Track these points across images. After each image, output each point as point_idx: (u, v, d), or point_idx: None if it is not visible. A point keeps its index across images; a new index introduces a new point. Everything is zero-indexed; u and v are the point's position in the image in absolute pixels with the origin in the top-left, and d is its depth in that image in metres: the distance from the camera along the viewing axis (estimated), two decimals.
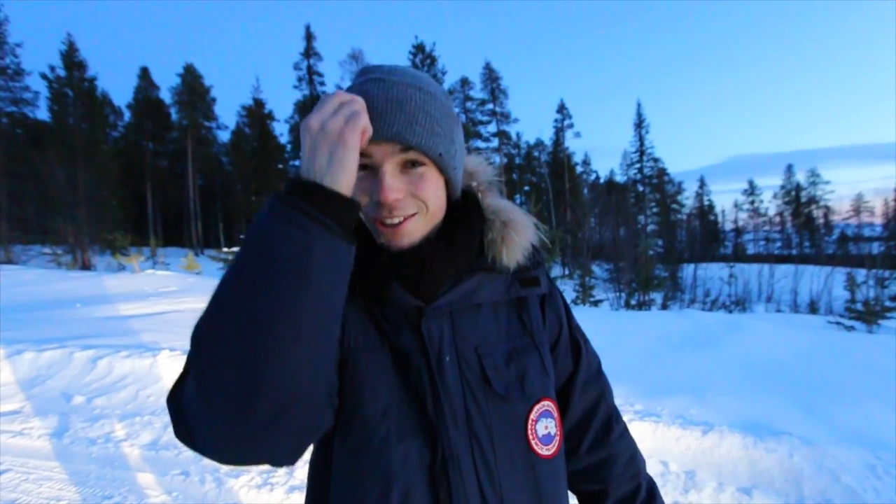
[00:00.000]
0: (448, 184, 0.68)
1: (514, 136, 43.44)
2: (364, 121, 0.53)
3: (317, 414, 0.54)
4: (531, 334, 0.71)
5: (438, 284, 0.65)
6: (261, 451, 0.51)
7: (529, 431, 0.66)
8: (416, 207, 0.63)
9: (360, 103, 0.54)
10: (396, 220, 0.62)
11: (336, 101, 0.54)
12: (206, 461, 2.77)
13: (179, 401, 0.52)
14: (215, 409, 0.47)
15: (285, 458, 0.54)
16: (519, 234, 0.71)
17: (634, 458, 0.82)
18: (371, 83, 0.61)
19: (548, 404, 0.69)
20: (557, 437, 0.69)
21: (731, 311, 11.29)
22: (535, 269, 0.73)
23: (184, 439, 0.52)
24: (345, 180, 0.51)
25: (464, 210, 0.70)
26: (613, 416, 0.82)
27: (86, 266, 22.13)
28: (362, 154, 0.58)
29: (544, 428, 0.67)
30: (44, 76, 31.48)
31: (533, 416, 0.66)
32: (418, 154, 0.61)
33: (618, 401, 3.14)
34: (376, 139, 0.59)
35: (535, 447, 0.66)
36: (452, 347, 0.65)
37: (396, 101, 0.59)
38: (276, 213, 0.48)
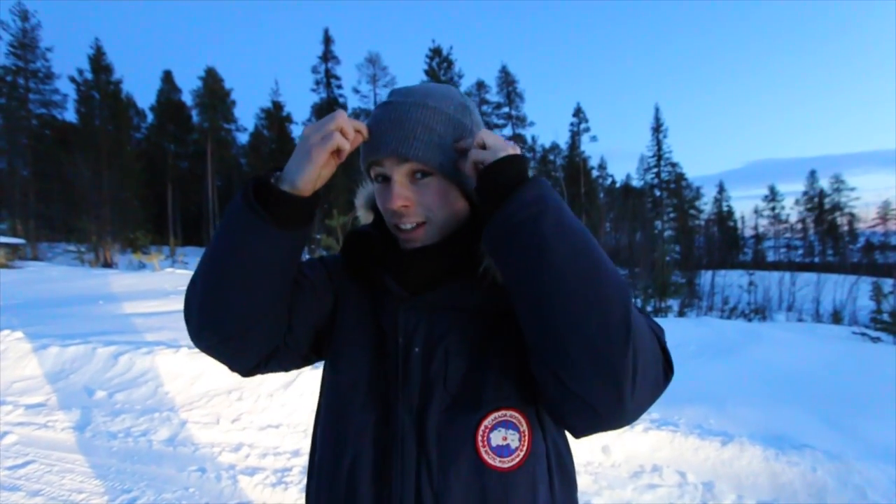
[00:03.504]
0: (466, 191, 0.71)
1: (529, 140, 43.35)
2: (335, 144, 0.62)
3: (256, 343, 0.69)
4: (508, 346, 0.68)
5: (421, 281, 0.70)
6: (212, 343, 0.68)
7: (479, 438, 0.64)
8: (423, 216, 0.69)
9: (337, 125, 0.63)
10: (408, 226, 0.69)
11: (328, 121, 0.63)
12: (223, 459, 2.82)
13: (190, 290, 0.68)
14: (190, 302, 0.67)
15: (235, 366, 0.73)
16: None
17: None
18: (380, 108, 0.71)
19: (511, 415, 0.65)
20: (521, 452, 0.65)
21: (750, 320, 11.03)
22: None
23: (184, 318, 0.69)
24: (301, 183, 0.62)
25: (471, 219, 0.73)
26: None
27: (108, 264, 22.71)
28: (379, 167, 0.70)
29: (502, 439, 0.65)
30: (72, 79, 32.53)
31: (487, 422, 0.65)
32: (419, 165, 0.67)
33: None
34: (380, 156, 0.68)
35: (484, 455, 0.64)
36: (424, 341, 0.69)
37: (396, 120, 0.68)
38: (237, 195, 0.64)
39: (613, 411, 0.56)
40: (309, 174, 0.62)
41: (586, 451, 2.87)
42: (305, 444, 3.03)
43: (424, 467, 0.65)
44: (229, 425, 3.24)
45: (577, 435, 0.64)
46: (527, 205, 0.57)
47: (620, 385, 0.54)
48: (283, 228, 0.62)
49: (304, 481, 2.79)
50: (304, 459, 2.85)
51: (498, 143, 0.63)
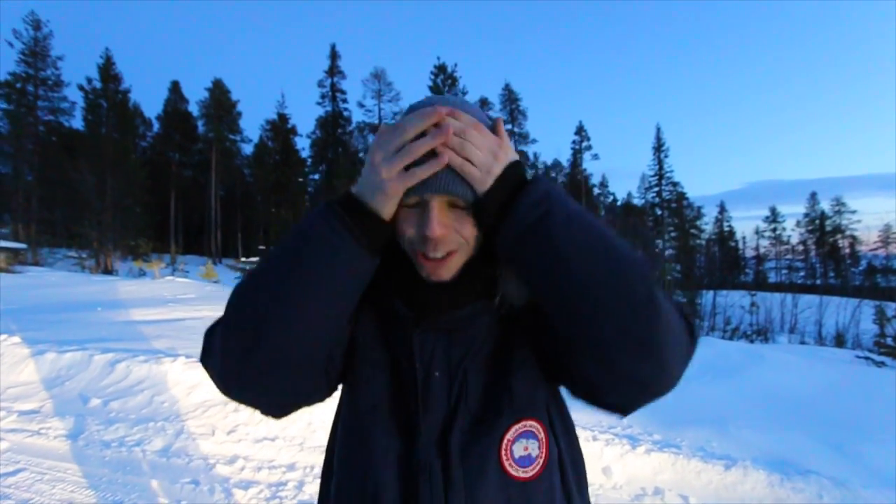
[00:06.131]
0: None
1: (531, 157, 43.68)
2: (410, 182, 0.58)
3: (305, 382, 0.66)
4: (522, 357, 0.70)
5: (439, 305, 0.68)
6: (253, 392, 0.64)
7: (503, 451, 0.65)
8: (457, 244, 0.65)
9: (411, 158, 0.58)
10: (440, 255, 0.65)
11: (403, 156, 0.58)
12: (217, 471, 2.77)
13: (211, 334, 0.64)
14: (229, 344, 0.60)
15: (272, 410, 0.69)
16: None
17: None
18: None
19: (531, 425, 0.67)
20: (540, 460, 0.66)
21: (752, 341, 10.95)
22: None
23: (204, 365, 0.64)
24: (381, 210, 0.60)
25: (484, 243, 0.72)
26: None
27: (108, 270, 22.69)
28: (416, 194, 0.63)
29: (523, 449, 0.66)
30: (81, 87, 32.98)
31: (510, 435, 0.66)
32: (460, 199, 0.64)
33: (635, 430, 3.03)
34: (428, 193, 0.61)
35: (509, 468, 0.65)
36: (444, 364, 0.68)
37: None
38: (321, 214, 0.60)
39: (662, 381, 0.60)
40: (388, 206, 0.60)
41: (587, 471, 2.82)
42: (301, 458, 2.98)
43: (452, 489, 0.64)
44: (225, 437, 3.19)
45: (626, 412, 0.66)
46: (532, 206, 0.57)
47: (662, 356, 0.57)
48: (369, 251, 0.60)
49: (299, 496, 2.73)
50: (299, 474, 2.80)
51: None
